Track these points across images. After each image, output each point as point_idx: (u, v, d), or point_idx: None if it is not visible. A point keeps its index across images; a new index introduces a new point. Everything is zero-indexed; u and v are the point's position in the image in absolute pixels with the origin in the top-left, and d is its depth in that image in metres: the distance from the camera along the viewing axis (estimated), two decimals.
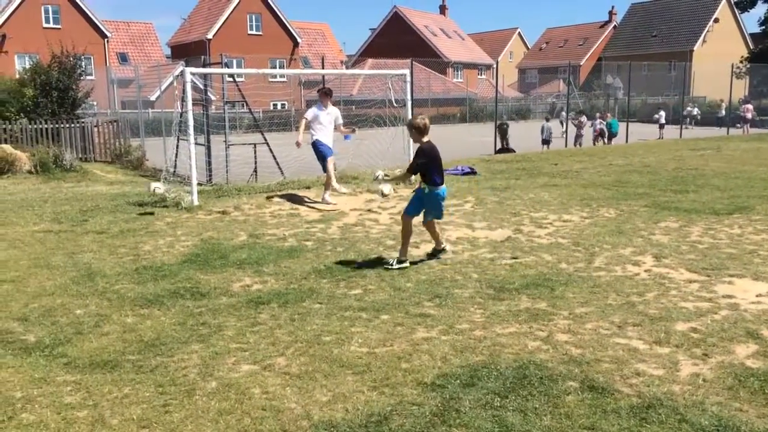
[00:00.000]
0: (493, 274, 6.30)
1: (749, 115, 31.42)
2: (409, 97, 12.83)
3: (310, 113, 10.45)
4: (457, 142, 26.21)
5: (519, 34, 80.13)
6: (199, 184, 11.40)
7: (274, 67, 45.47)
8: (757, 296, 5.46)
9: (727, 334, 4.61)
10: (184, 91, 10.37)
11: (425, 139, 6.86)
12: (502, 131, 21.66)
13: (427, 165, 6.77)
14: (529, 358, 4.27)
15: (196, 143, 11.84)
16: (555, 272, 6.30)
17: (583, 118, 24.59)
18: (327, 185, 10.40)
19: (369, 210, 9.78)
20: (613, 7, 70.93)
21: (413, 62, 20.00)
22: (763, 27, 47.29)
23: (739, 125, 30.84)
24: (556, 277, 6.13)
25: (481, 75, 62.43)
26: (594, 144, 23.74)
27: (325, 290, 5.83)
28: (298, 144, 10.02)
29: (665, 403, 3.61)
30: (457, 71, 59.77)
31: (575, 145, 23.25)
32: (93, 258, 7.04)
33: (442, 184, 6.85)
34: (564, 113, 27.59)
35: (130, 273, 6.43)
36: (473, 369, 4.09)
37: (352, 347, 4.51)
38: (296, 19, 54.01)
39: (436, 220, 6.97)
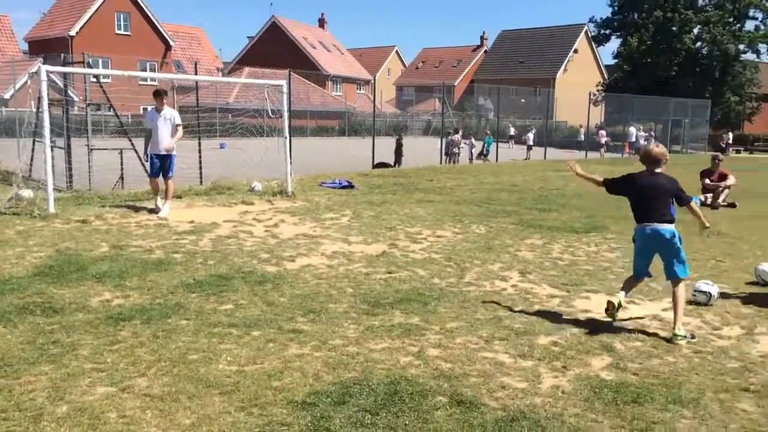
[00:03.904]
0: (368, 288, 6.31)
1: (603, 140, 34.04)
2: (286, 108, 12.69)
3: (148, 120, 9.90)
4: (336, 155, 26.33)
5: (397, 52, 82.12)
6: (57, 190, 10.61)
7: (144, 70, 43.45)
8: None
9: (584, 347, 4.87)
10: (40, 90, 9.59)
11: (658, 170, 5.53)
12: (398, 143, 22.78)
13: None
14: (400, 373, 4.28)
15: (54, 146, 11.03)
16: (428, 287, 6.41)
17: (457, 137, 25.53)
18: (167, 194, 10.06)
19: (243, 222, 9.52)
20: (484, 32, 74.55)
21: (291, 73, 19.84)
22: (617, 60, 51.43)
23: (595, 149, 33.29)
24: (428, 292, 6.23)
25: (360, 90, 63.23)
26: (471, 161, 24.77)
27: (193, 305, 5.57)
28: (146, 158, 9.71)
29: (528, 416, 3.73)
30: (337, 85, 60.17)
31: (450, 163, 24.08)
32: None
33: (642, 222, 5.48)
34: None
35: None
36: (345, 386, 4.04)
37: (220, 366, 4.31)
38: (169, 22, 52.12)
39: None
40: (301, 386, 4.03)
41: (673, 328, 5.11)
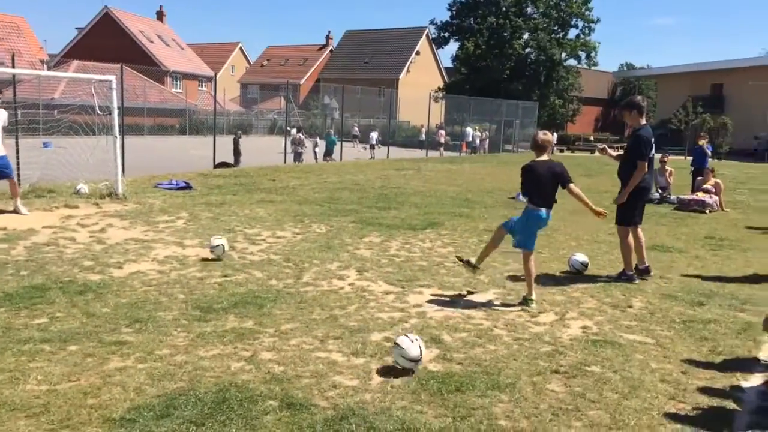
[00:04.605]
0: (201, 293, 6.09)
1: (443, 140, 35.60)
2: (116, 105, 11.94)
3: None
4: (175, 155, 25.22)
5: (241, 48, 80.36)
6: None
7: None
8: (440, 304, 6.09)
9: None
10: None
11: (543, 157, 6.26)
12: (235, 142, 22.54)
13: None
14: (231, 380, 4.17)
15: None
16: (264, 289, 6.31)
17: (301, 135, 25.48)
18: (14, 194, 9.76)
19: (65, 227, 8.83)
20: (329, 31, 75.28)
21: (125, 68, 18.71)
22: (455, 63, 53.96)
23: (435, 148, 34.73)
24: (265, 294, 6.14)
25: (201, 87, 61.13)
26: (317, 161, 24.81)
27: (1, 321, 5.06)
28: None
29: (357, 413, 3.78)
30: (176, 81, 57.73)
31: (295, 162, 23.97)
32: None
33: (541, 206, 6.19)
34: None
35: None
36: (170, 398, 3.86)
37: (28, 386, 3.95)
38: None
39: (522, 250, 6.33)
40: (120, 402, 3.80)
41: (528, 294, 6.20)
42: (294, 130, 25.59)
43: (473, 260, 6.73)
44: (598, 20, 51.17)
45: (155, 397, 3.88)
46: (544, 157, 6.28)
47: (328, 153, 25.82)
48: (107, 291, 5.98)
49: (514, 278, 7.11)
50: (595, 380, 4.43)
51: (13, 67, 16.13)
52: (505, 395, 4.12)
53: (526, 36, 50.81)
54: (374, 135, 32.47)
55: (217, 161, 20.45)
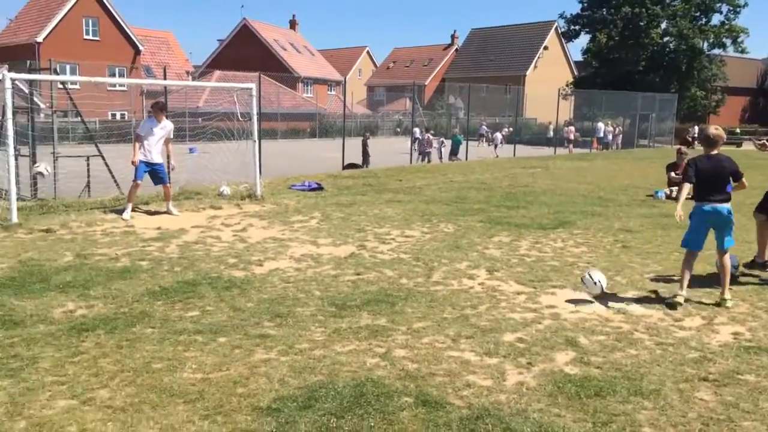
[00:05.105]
0: (335, 291, 6.31)
1: (572, 136, 34.42)
2: (255, 111, 12.63)
3: (143, 128, 10.40)
4: (306, 158, 26.26)
5: (368, 52, 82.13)
6: (21, 199, 10.43)
7: (113, 75, 42.88)
8: (575, 305, 5.91)
9: (549, 343, 4.93)
10: (5, 97, 9.47)
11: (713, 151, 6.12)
12: (364, 144, 23.11)
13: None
14: (367, 375, 4.29)
15: (19, 154, 10.84)
16: (396, 288, 6.43)
17: (429, 135, 25.65)
18: (167, 197, 10.63)
19: (211, 227, 9.46)
20: (455, 31, 74.97)
21: (262, 76, 19.74)
22: (586, 56, 51.96)
23: (564, 145, 33.70)
24: (396, 292, 6.25)
25: (330, 91, 63.10)
26: (442, 160, 24.90)
27: (158, 313, 5.52)
28: (133, 163, 10.19)
29: (492, 413, 3.77)
30: (307, 86, 59.99)
31: (422, 162, 24.19)
32: None
33: (702, 201, 6.09)
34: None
35: None
36: (311, 390, 4.04)
37: (184, 374, 4.28)
38: (138, 26, 51.48)
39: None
40: (266, 392, 4.02)
41: (722, 294, 6.00)
42: (417, 130, 25.78)
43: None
44: (746, 4, 47.21)
45: (297, 388, 4.07)
46: (714, 152, 6.11)
47: (453, 152, 25.79)
48: (250, 287, 6.35)
49: (659, 279, 6.77)
50: (750, 389, 4.13)
51: (165, 78, 17.51)
52: (649, 402, 3.93)
53: (664, 24, 47.90)
54: (498, 135, 32.13)
55: (345, 163, 21.04)
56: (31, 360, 4.43)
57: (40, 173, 11.61)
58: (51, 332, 4.98)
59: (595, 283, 6.20)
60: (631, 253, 8.16)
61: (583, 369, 4.45)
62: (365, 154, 23.05)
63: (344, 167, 20.66)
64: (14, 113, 9.77)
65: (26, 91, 15.21)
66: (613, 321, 5.49)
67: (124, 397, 3.92)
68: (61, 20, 43.89)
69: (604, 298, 6.15)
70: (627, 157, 27.87)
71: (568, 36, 54.94)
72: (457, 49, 72.90)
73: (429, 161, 24.56)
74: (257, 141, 12.82)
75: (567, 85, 47.87)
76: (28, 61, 16.41)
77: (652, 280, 6.84)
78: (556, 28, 62.98)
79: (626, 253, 8.19)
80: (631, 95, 39.44)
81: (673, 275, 6.87)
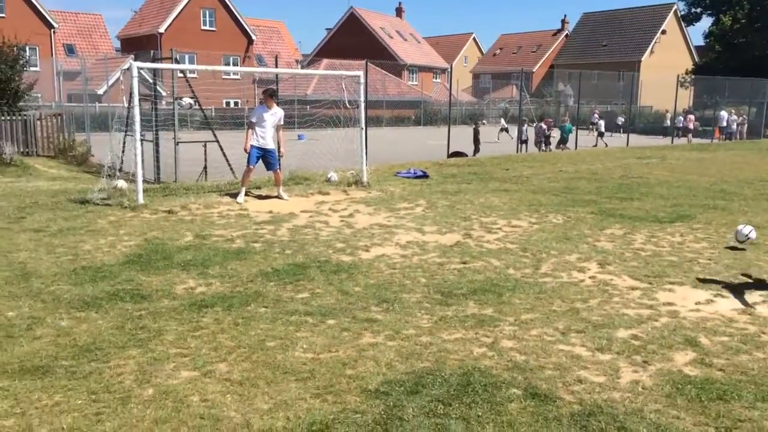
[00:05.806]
0: (441, 278, 6.30)
1: (692, 126, 32.51)
2: (362, 98, 12.79)
3: (255, 115, 10.75)
4: (411, 145, 26.33)
5: (474, 39, 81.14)
6: (146, 182, 11.13)
7: (228, 64, 44.81)
8: (695, 304, 5.60)
9: (667, 342, 4.70)
10: (131, 85, 10.13)
11: None
12: (475, 132, 23.31)
13: None
14: (473, 364, 4.26)
15: (144, 139, 11.57)
16: (503, 278, 6.33)
17: (543, 125, 25.07)
18: (278, 182, 11.00)
19: (319, 212, 9.69)
20: (565, 15, 72.99)
21: (368, 64, 19.95)
22: (708, 40, 48.84)
23: (682, 135, 31.89)
24: (503, 282, 6.16)
25: (436, 78, 62.90)
26: (550, 149, 24.32)
27: (271, 294, 5.73)
28: (246, 150, 10.56)
29: (605, 411, 3.64)
30: (413, 74, 60.08)
31: (540, 150, 23.80)
32: (29, 257, 6.76)
33: None
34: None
35: (67, 273, 6.19)
36: (418, 376, 4.06)
37: (296, 353, 4.42)
38: (251, 16, 53.41)
39: None
40: (374, 375, 4.08)
41: None
42: (540, 120, 25.33)
43: None
44: None
45: (404, 373, 4.11)
46: None
47: (562, 141, 25.03)
48: (357, 272, 6.46)
49: None
50: None
51: (276, 67, 18.08)
52: None
53: None
54: (602, 123, 30.90)
55: (450, 151, 20.92)
56: (157, 332, 4.73)
57: (189, 104, 12.77)
58: (174, 307, 5.29)
59: (747, 236, 7.49)
60: (759, 251, 7.61)
61: (704, 371, 4.21)
62: (476, 142, 22.95)
63: (449, 155, 20.56)
64: (139, 100, 10.41)
65: (150, 80, 16.18)
66: (738, 322, 5.15)
67: (241, 371, 4.10)
68: (180, 12, 46.32)
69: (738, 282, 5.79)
70: (753, 149, 25.99)
71: (689, 19, 51.91)
72: (567, 35, 70.51)
73: (546, 150, 24.08)
74: (364, 128, 12.99)
75: (686, 73, 45.19)
76: (152, 51, 17.40)
77: None
78: (675, 11, 59.58)
79: (753, 250, 7.65)
80: (759, 82, 36.68)
81: None
